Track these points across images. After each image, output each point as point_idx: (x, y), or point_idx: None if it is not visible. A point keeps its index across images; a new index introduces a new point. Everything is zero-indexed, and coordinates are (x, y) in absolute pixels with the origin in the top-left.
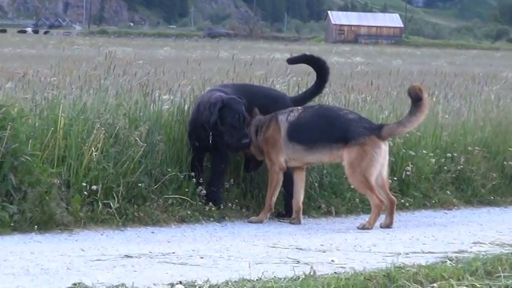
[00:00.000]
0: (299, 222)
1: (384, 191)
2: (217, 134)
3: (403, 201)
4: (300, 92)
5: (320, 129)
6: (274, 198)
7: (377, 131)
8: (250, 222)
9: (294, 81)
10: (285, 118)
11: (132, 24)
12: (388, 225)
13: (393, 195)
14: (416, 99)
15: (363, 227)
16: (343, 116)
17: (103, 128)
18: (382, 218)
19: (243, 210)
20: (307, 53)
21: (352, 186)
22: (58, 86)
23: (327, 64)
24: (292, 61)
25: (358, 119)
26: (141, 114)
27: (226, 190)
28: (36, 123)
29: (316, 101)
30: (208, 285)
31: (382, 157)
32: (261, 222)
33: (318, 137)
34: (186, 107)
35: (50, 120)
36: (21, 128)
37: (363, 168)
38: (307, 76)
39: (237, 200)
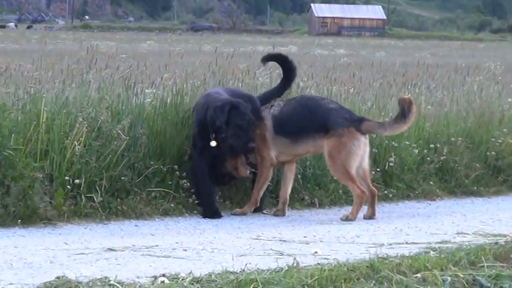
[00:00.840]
0: (283, 215)
1: (365, 182)
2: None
3: (386, 192)
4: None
5: (303, 120)
6: (261, 193)
7: (357, 123)
8: (234, 214)
9: (276, 73)
10: (268, 113)
11: (132, 19)
12: (370, 216)
13: (376, 186)
14: (403, 111)
15: (346, 219)
16: (323, 106)
17: (85, 122)
18: (365, 209)
19: (227, 202)
20: (280, 53)
21: (335, 178)
22: (40, 80)
23: (295, 64)
24: (265, 59)
25: (338, 108)
26: (124, 107)
27: None
28: (19, 118)
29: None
30: (191, 277)
31: (361, 149)
32: (244, 214)
33: (301, 128)
34: (168, 100)
35: (32, 114)
36: (3, 122)
37: (342, 159)
38: None
39: (220, 193)
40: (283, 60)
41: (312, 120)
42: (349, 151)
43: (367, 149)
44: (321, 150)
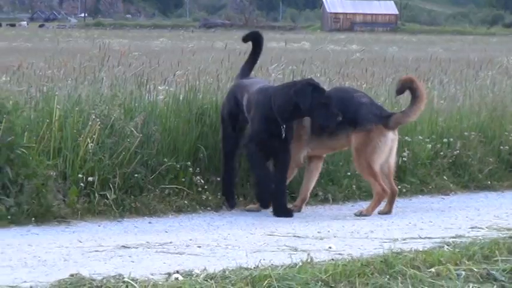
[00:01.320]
0: (299, 211)
1: (388, 180)
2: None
3: (400, 187)
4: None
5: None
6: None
7: (385, 119)
8: (248, 210)
9: (289, 70)
10: None
11: (130, 16)
12: (386, 213)
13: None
14: (408, 89)
15: (360, 214)
16: (355, 99)
17: (98, 119)
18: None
19: (241, 199)
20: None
21: (349, 173)
22: (53, 79)
23: (261, 33)
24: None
25: (369, 103)
26: (136, 104)
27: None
28: (32, 116)
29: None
30: (205, 274)
31: (387, 146)
32: (258, 210)
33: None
34: (181, 97)
35: (45, 113)
36: (16, 120)
37: (367, 154)
38: (302, 64)
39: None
40: (256, 36)
41: (344, 114)
42: (374, 147)
43: (395, 145)
44: None
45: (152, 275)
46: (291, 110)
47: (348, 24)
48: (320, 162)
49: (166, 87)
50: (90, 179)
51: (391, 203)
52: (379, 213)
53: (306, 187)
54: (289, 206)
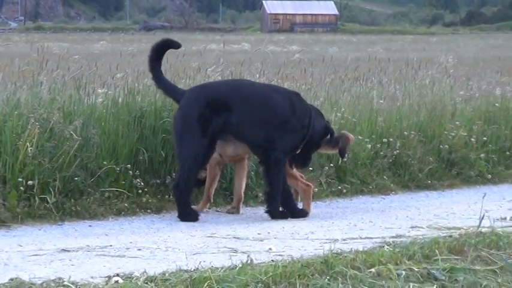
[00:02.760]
0: (238, 212)
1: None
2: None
3: (340, 187)
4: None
5: None
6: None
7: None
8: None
9: (229, 71)
10: None
11: (74, 19)
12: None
13: (330, 181)
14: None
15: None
16: None
17: (37, 123)
18: (320, 205)
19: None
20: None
21: None
22: None
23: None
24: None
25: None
26: (76, 108)
27: (164, 184)
28: None
29: None
30: (145, 276)
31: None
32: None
33: None
34: (120, 100)
35: None
36: None
37: None
38: (240, 66)
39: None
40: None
41: None
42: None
43: None
44: None
45: (92, 278)
46: (322, 135)
47: (288, 25)
48: (244, 161)
49: (106, 90)
50: (30, 182)
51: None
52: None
53: (239, 187)
54: (228, 208)
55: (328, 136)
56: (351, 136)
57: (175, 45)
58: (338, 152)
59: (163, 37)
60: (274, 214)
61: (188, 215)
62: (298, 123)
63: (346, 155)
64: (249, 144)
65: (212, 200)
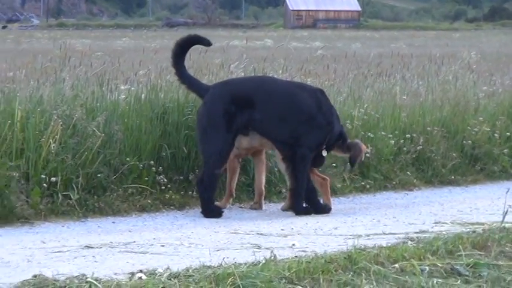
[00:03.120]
0: (260, 207)
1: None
2: None
3: (363, 183)
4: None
5: None
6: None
7: None
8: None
9: (252, 67)
10: None
11: (96, 16)
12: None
13: (354, 177)
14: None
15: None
16: None
17: (60, 120)
18: (343, 200)
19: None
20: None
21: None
22: (14, 80)
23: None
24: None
25: None
26: (98, 104)
27: (187, 180)
28: None
29: None
30: (168, 273)
31: None
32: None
33: None
34: (143, 96)
35: (6, 114)
36: None
37: None
38: (263, 62)
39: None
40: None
41: None
42: None
43: None
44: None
45: (115, 274)
46: (336, 139)
47: (311, 21)
48: (262, 155)
49: (128, 87)
50: (53, 179)
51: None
52: (282, 210)
53: (259, 181)
54: (251, 204)
55: (341, 142)
56: (364, 147)
57: (205, 43)
58: (349, 160)
59: (190, 33)
60: (298, 210)
61: (212, 211)
62: (323, 120)
63: (356, 165)
64: (273, 141)
65: (234, 195)
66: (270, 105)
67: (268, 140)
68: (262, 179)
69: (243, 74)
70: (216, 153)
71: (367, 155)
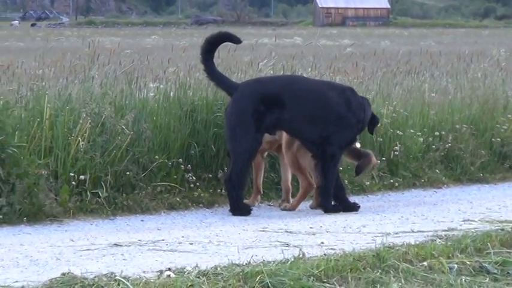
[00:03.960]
0: (290, 204)
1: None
2: None
3: (392, 181)
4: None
5: None
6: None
7: None
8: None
9: (281, 65)
10: None
11: (125, 14)
12: (315, 208)
13: (382, 175)
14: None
15: (285, 208)
16: None
17: (89, 118)
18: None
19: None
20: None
21: (340, 168)
22: (43, 78)
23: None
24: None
25: None
26: (127, 102)
27: (215, 178)
28: (22, 115)
29: None
30: (197, 271)
31: None
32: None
33: None
34: (171, 94)
35: (35, 112)
36: (7, 120)
37: (294, 149)
38: (292, 59)
39: None
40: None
41: None
42: None
43: None
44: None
45: (144, 272)
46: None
47: (340, 19)
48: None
49: (157, 85)
50: (81, 177)
51: (317, 196)
52: (311, 208)
53: (285, 178)
54: (278, 202)
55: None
56: (375, 160)
57: (235, 40)
58: (355, 167)
59: (220, 30)
60: (327, 208)
61: (240, 209)
62: (353, 118)
63: (361, 174)
64: (303, 140)
65: (262, 192)
66: (299, 104)
67: (298, 140)
68: (289, 175)
69: (272, 72)
70: (245, 151)
71: (396, 152)
